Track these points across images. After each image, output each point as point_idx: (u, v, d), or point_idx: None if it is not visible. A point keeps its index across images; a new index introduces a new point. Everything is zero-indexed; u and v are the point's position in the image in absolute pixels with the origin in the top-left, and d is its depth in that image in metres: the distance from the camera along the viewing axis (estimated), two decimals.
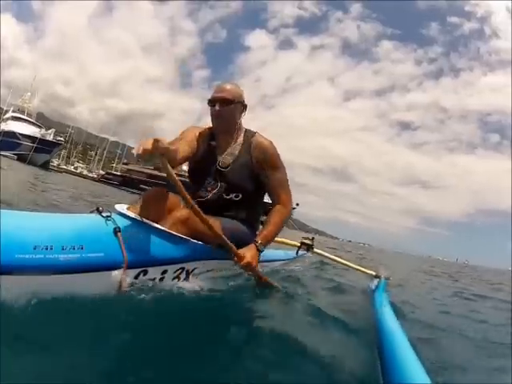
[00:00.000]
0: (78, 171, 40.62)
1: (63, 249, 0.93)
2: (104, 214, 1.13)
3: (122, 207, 1.26)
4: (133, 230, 1.17)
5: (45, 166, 31.62)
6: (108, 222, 1.11)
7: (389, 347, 1.14)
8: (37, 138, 32.63)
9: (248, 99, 1.70)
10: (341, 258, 2.77)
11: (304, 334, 1.33)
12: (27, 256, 0.85)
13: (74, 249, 0.95)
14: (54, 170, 30.78)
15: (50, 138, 33.66)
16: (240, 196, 1.61)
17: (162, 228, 1.24)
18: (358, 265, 2.77)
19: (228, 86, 1.64)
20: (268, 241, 1.57)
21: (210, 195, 1.61)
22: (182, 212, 1.36)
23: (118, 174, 34.54)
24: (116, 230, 1.09)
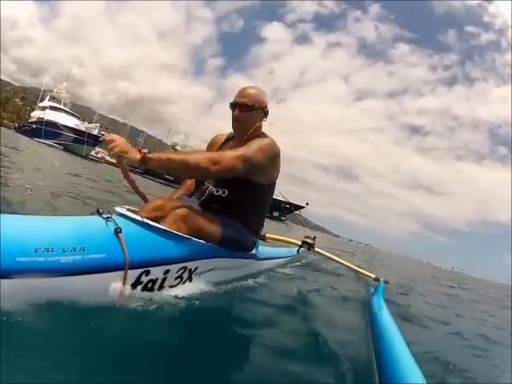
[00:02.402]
0: (99, 156, 41.02)
1: (64, 251, 0.93)
2: (104, 216, 1.14)
3: (122, 208, 1.27)
4: (134, 231, 1.17)
5: (86, 156, 32.90)
6: (108, 223, 1.11)
7: (386, 349, 1.16)
8: (83, 131, 33.77)
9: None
10: (341, 258, 2.77)
11: (301, 335, 1.34)
12: (28, 259, 0.86)
13: (75, 250, 0.95)
14: (93, 160, 32.48)
15: (95, 132, 34.70)
16: (226, 192, 1.59)
17: (163, 227, 1.24)
18: (358, 267, 2.77)
19: (251, 91, 1.66)
20: (158, 158, 1.27)
21: (205, 194, 1.63)
22: (181, 209, 1.37)
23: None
24: (117, 231, 1.09)
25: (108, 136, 1.23)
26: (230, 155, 1.43)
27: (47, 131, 34.30)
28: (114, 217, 1.16)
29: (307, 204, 27.53)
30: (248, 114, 1.63)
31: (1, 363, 0.67)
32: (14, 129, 44.15)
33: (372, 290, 2.25)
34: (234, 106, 1.66)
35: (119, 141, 1.22)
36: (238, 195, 1.59)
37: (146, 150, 1.26)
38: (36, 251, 0.88)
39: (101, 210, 1.15)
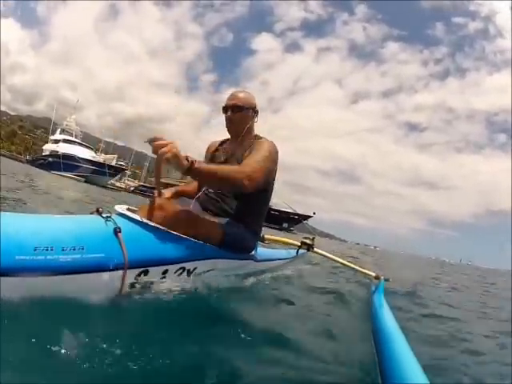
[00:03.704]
0: (117, 185, 42.75)
1: (63, 250, 0.93)
2: (104, 215, 1.14)
3: (121, 208, 1.27)
4: (133, 230, 1.17)
5: (104, 185, 34.41)
6: (108, 222, 1.11)
7: (387, 348, 1.15)
8: (103, 163, 35.52)
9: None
10: (341, 257, 2.77)
11: (302, 335, 1.34)
12: (28, 257, 0.86)
13: (74, 249, 0.95)
14: (113, 189, 34.29)
15: (113, 163, 36.93)
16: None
17: (162, 228, 1.24)
18: (358, 265, 2.77)
19: (240, 94, 1.76)
20: (205, 171, 1.29)
21: (213, 193, 1.66)
22: (181, 211, 1.37)
23: (151, 186, 36.69)
24: (116, 231, 1.09)
25: (159, 139, 1.16)
26: (258, 169, 1.46)
27: (65, 164, 35.35)
28: (114, 216, 1.16)
29: (314, 213, 29.49)
30: (239, 114, 1.72)
31: (0, 362, 0.66)
32: (27, 161, 44.31)
33: (373, 289, 2.26)
34: (225, 108, 1.75)
35: (171, 145, 1.15)
36: (243, 196, 1.64)
37: (193, 159, 1.23)
38: (35, 250, 0.88)
39: (100, 210, 1.15)
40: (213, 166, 1.38)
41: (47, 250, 0.90)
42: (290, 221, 28.73)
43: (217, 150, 1.86)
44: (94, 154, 38.62)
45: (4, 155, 44.09)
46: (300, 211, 27.85)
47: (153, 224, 1.22)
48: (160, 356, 0.91)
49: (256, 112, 1.79)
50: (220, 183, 1.40)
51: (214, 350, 1.04)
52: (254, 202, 1.68)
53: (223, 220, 1.54)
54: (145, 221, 1.22)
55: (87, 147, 39.72)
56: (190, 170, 1.23)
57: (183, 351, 0.99)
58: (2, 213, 0.92)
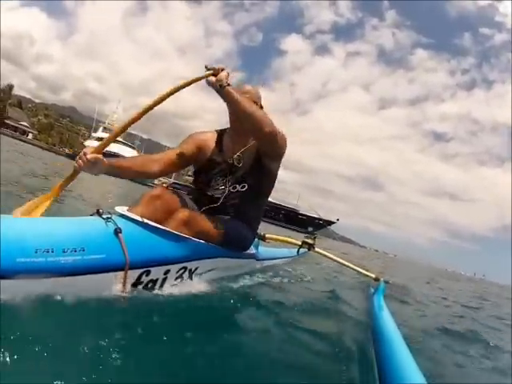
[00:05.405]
0: (155, 183, 43.53)
1: (64, 251, 0.93)
2: (104, 216, 1.14)
3: (122, 208, 1.27)
4: (134, 231, 1.17)
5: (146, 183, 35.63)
6: (108, 223, 1.11)
7: (386, 348, 1.16)
8: None
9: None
10: (341, 258, 2.77)
11: (300, 335, 1.34)
12: (28, 259, 0.86)
13: (75, 251, 0.95)
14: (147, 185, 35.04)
15: None
16: (246, 186, 1.62)
17: (163, 228, 1.24)
18: (359, 266, 2.77)
19: (250, 89, 1.73)
20: (237, 92, 1.38)
21: (219, 192, 1.62)
22: (183, 213, 1.37)
23: (185, 184, 36.97)
24: (117, 231, 1.09)
25: None
26: (280, 134, 1.52)
27: None
28: (114, 217, 1.16)
29: (338, 220, 31.49)
30: None
31: (1, 363, 0.67)
32: (67, 156, 43.12)
33: (372, 290, 2.26)
34: None
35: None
36: (256, 188, 1.64)
37: (226, 84, 1.33)
38: (36, 252, 0.88)
39: (101, 211, 1.15)
40: (245, 99, 1.41)
41: (48, 251, 0.90)
42: (314, 225, 30.71)
43: (218, 145, 1.71)
44: (137, 154, 39.69)
45: (42, 147, 44.18)
46: (322, 215, 29.81)
47: (153, 224, 1.22)
48: (160, 357, 0.91)
49: (261, 108, 1.72)
50: (249, 112, 1.41)
51: (214, 350, 1.04)
52: (257, 196, 1.68)
53: (222, 218, 1.54)
54: (145, 221, 1.22)
55: (130, 146, 41.09)
56: (225, 88, 1.33)
57: (184, 352, 1.00)
58: (2, 215, 0.92)
